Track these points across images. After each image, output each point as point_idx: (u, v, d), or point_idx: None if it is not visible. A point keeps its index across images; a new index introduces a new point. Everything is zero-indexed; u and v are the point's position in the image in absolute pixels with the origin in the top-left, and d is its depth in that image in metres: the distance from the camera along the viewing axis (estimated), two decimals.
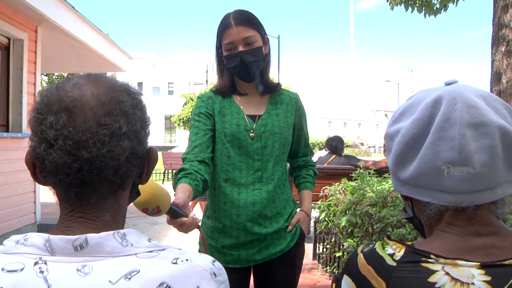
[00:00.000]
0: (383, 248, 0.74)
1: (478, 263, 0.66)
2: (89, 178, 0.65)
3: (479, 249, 0.69)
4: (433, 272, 0.67)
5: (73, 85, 0.67)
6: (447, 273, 0.66)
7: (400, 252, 0.71)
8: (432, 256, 0.68)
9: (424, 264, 0.68)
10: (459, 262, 0.67)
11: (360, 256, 0.76)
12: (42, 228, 5.42)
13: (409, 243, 0.73)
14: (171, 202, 1.16)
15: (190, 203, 1.36)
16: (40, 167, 0.66)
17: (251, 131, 1.62)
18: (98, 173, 0.65)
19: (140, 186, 0.97)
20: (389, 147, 0.79)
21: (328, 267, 3.92)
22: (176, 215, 1.20)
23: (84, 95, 0.65)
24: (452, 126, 0.69)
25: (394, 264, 0.70)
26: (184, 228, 1.23)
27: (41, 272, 0.61)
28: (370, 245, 0.77)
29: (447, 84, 0.76)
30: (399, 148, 0.75)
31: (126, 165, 0.67)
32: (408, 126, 0.73)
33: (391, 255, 0.71)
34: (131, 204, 0.83)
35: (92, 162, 0.64)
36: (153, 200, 1.03)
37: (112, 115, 0.65)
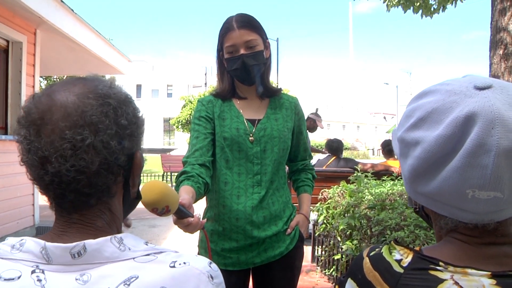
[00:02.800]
0: (390, 253, 0.70)
1: (489, 273, 0.62)
2: (60, 191, 0.65)
3: (492, 258, 0.66)
4: (442, 281, 0.63)
5: (47, 95, 0.66)
6: (456, 283, 0.63)
7: (407, 258, 0.68)
8: (441, 263, 0.65)
9: (432, 272, 0.65)
10: (469, 270, 0.63)
11: (366, 260, 0.73)
12: (40, 230, 5.41)
13: (417, 248, 0.70)
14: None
15: None
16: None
17: (251, 135, 1.62)
18: (66, 187, 0.64)
19: (149, 186, 0.98)
20: (404, 153, 0.71)
21: (326, 270, 3.92)
22: (183, 216, 1.20)
23: (53, 105, 0.64)
24: (486, 154, 0.60)
25: (401, 271, 0.67)
26: (190, 228, 1.23)
27: (39, 280, 0.61)
28: (377, 249, 0.73)
29: (478, 88, 0.65)
30: (418, 164, 0.67)
31: (99, 177, 0.65)
32: (432, 143, 0.65)
33: (398, 261, 0.68)
34: (128, 214, 0.83)
35: (59, 176, 0.63)
36: (163, 200, 1.02)
37: (76, 127, 0.63)
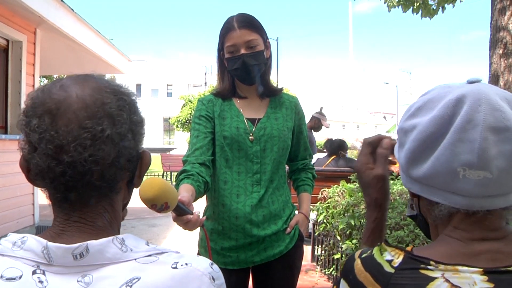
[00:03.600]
0: (381, 254, 0.72)
1: (481, 269, 0.63)
2: (72, 183, 0.64)
3: (483, 254, 0.67)
4: (432, 279, 0.65)
5: (60, 87, 0.66)
6: (447, 280, 0.64)
7: (398, 259, 0.69)
8: (431, 262, 0.66)
9: (423, 271, 0.66)
10: (460, 268, 0.64)
11: (358, 261, 0.74)
12: (40, 230, 5.40)
13: (409, 248, 0.71)
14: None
15: None
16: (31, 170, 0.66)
17: (251, 134, 1.63)
18: (81, 178, 0.64)
19: (149, 183, 0.98)
20: (402, 142, 0.75)
21: (326, 269, 3.92)
22: (182, 213, 1.20)
23: (69, 96, 0.64)
24: (474, 128, 0.65)
25: (392, 271, 0.68)
26: (190, 225, 1.23)
27: (41, 282, 0.60)
28: (368, 251, 0.75)
29: (470, 82, 0.71)
30: (414, 145, 0.71)
31: (112, 170, 0.66)
32: (426, 123, 0.69)
33: (389, 262, 0.70)
34: (130, 205, 0.83)
35: (74, 167, 0.63)
36: (162, 196, 1.02)
37: (96, 118, 0.63)
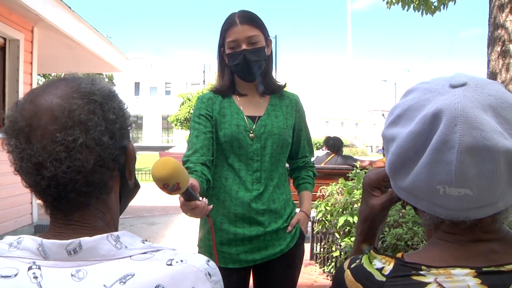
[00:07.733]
0: (370, 263, 0.70)
1: (473, 270, 0.62)
2: (58, 193, 0.65)
3: (479, 255, 0.65)
4: (425, 284, 0.63)
5: (30, 101, 0.66)
6: (440, 285, 0.62)
7: (389, 266, 0.68)
8: (423, 267, 0.65)
9: (415, 277, 0.64)
10: (453, 271, 0.63)
11: (347, 272, 0.72)
12: (39, 229, 5.40)
13: (400, 254, 0.70)
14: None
15: None
16: None
17: (251, 131, 1.62)
18: (64, 188, 0.64)
19: (163, 162, 0.97)
20: (387, 148, 0.73)
21: (325, 267, 3.92)
22: (191, 198, 1.18)
23: (38, 110, 0.64)
24: (450, 150, 0.61)
25: (384, 279, 0.67)
26: (197, 212, 1.21)
27: (35, 277, 0.61)
28: (357, 260, 0.73)
29: (453, 86, 0.65)
30: (394, 159, 0.69)
31: (96, 174, 0.66)
32: (404, 138, 0.67)
33: (380, 270, 0.68)
34: (128, 204, 0.82)
35: (56, 179, 0.64)
36: (175, 176, 1.00)
37: (66, 129, 0.63)
